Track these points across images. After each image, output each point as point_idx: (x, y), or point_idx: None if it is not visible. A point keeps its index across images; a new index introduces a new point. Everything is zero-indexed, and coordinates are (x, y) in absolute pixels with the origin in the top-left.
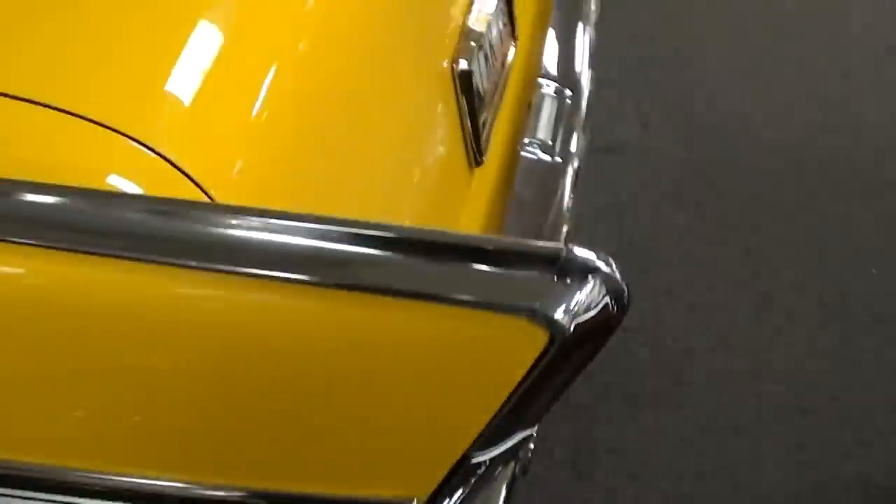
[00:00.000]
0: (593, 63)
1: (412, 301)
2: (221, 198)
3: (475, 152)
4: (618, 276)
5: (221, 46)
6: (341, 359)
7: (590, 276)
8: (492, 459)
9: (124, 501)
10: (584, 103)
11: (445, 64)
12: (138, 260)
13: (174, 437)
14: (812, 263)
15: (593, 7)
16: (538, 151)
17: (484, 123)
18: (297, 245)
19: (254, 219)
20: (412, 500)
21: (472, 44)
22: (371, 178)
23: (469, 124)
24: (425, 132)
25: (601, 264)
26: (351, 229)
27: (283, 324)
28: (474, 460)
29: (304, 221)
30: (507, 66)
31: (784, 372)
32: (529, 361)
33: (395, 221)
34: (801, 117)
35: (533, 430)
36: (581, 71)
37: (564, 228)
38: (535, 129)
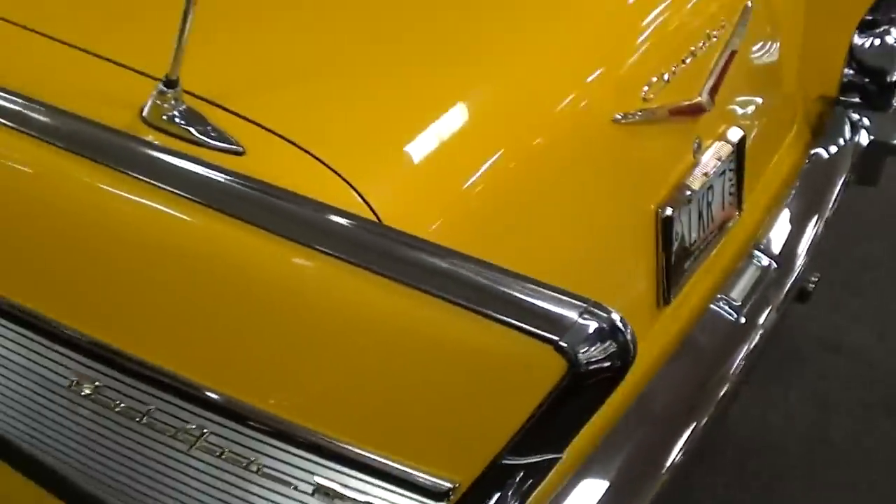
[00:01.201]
0: (815, 254)
1: (473, 314)
2: None
3: (665, 292)
4: (629, 338)
5: (459, 127)
6: (420, 349)
7: (608, 332)
8: (525, 470)
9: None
10: (788, 282)
11: (652, 207)
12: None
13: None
14: None
15: (830, 205)
16: (726, 307)
17: (684, 270)
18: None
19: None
20: (456, 484)
21: (683, 197)
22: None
23: (664, 265)
24: (618, 261)
25: (620, 325)
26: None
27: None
28: (507, 461)
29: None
30: (724, 229)
31: None
32: (549, 386)
33: None
34: None
35: (561, 455)
36: (798, 255)
37: (725, 387)
38: (732, 288)
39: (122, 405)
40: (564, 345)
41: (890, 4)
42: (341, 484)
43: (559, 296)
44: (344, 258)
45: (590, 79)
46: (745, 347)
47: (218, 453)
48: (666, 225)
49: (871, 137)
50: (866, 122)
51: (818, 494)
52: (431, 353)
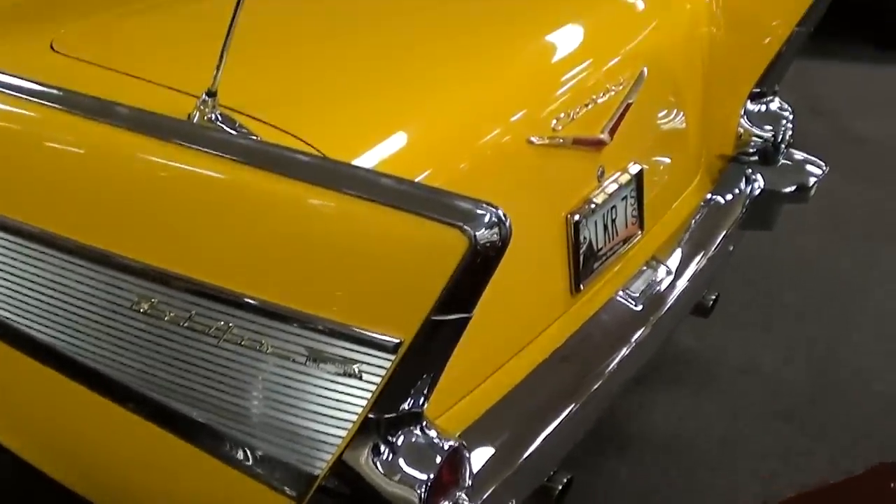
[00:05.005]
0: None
1: (404, 213)
2: None
3: (575, 282)
4: (507, 226)
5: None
6: (374, 247)
7: (495, 221)
8: (448, 326)
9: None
10: (681, 286)
11: (563, 214)
12: None
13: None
14: None
15: (722, 236)
16: (629, 298)
17: (592, 269)
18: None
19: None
20: (401, 339)
21: (589, 209)
22: None
23: (574, 261)
24: (538, 256)
25: (505, 220)
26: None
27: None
28: (434, 318)
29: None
30: (628, 243)
31: None
32: (456, 260)
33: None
34: None
35: (470, 315)
36: (692, 268)
37: (623, 352)
38: (633, 285)
39: (172, 314)
40: (468, 228)
41: (772, 79)
42: (326, 351)
43: (463, 198)
44: (315, 182)
45: (510, 111)
46: (642, 327)
47: (239, 341)
48: (576, 229)
49: (762, 186)
50: (759, 176)
51: (727, 481)
52: (382, 247)
